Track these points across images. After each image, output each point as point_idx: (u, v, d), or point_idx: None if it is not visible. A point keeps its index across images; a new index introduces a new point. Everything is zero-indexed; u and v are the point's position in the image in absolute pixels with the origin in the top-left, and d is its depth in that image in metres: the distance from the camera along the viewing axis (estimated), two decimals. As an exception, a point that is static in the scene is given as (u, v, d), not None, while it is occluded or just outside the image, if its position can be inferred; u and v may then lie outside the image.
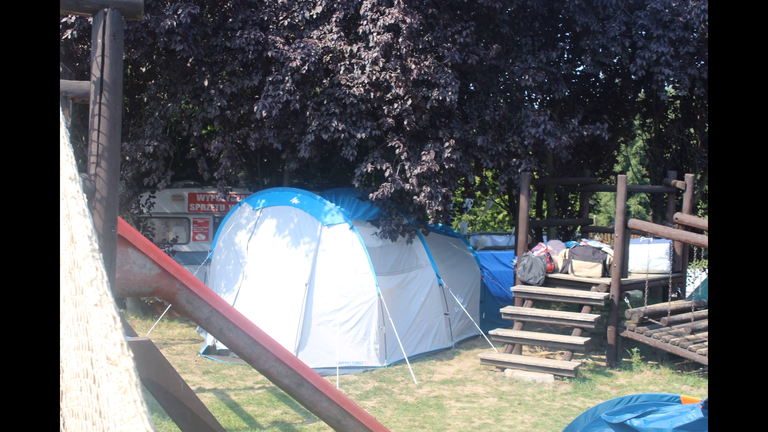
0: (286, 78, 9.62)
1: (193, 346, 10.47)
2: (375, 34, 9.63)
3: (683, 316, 9.98)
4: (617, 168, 19.87)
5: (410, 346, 9.93)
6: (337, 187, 12.19)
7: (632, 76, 12.52)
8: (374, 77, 9.63)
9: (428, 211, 9.86)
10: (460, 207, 19.23)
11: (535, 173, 12.44)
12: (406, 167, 9.75)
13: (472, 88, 11.05)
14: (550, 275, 10.42)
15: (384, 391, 8.62)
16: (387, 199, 9.96)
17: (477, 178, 14.05)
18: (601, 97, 14.54)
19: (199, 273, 10.47)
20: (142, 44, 10.00)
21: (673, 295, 10.90)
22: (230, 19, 10.34)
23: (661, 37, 10.50)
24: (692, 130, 14.33)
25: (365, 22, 9.78)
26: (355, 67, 9.81)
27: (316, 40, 9.95)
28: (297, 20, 10.25)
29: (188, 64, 10.44)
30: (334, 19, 9.99)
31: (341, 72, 9.81)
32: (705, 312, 9.94)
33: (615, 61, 11.63)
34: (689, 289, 12.53)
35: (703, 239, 9.48)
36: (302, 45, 9.73)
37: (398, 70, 9.54)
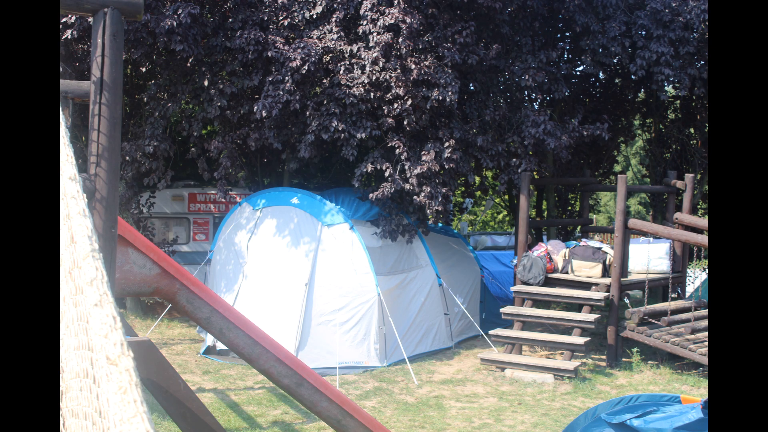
0: (286, 78, 9.62)
1: (193, 346, 10.47)
2: (375, 34, 9.63)
3: (683, 316, 9.98)
4: (617, 168, 19.87)
5: (410, 346, 9.93)
6: (337, 187, 12.19)
7: (632, 76, 12.52)
8: (374, 77, 9.63)
9: (428, 211, 9.86)
10: (460, 207, 19.23)
11: (535, 173, 12.44)
12: (406, 167, 9.76)
13: (472, 88, 11.06)
14: (550, 275, 10.42)
15: (384, 391, 8.62)
16: (387, 199, 9.96)
17: (477, 178, 14.05)
18: (601, 97, 14.54)
19: (199, 273, 10.47)
20: (142, 44, 10.00)
21: (673, 295, 10.90)
22: (230, 19, 10.34)
23: (661, 37, 10.50)
24: (692, 130, 14.33)
25: (365, 22, 9.78)
26: (355, 67, 9.81)
27: (316, 40, 9.95)
28: (297, 20, 10.25)
29: (188, 64, 10.44)
30: (334, 19, 9.99)
31: (341, 72, 9.81)
32: (705, 312, 9.94)
33: (615, 61, 11.63)
34: (689, 289, 12.53)
35: (703, 239, 9.48)
36: (302, 45, 9.74)
37: (398, 70, 9.54)
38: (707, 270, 11.69)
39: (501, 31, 10.78)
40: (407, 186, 9.78)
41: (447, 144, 9.90)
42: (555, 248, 10.78)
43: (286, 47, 9.78)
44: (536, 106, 12.53)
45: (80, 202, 2.16)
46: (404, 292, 10.19)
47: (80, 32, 9.81)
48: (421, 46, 9.91)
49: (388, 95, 9.73)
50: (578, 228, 14.47)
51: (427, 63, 9.74)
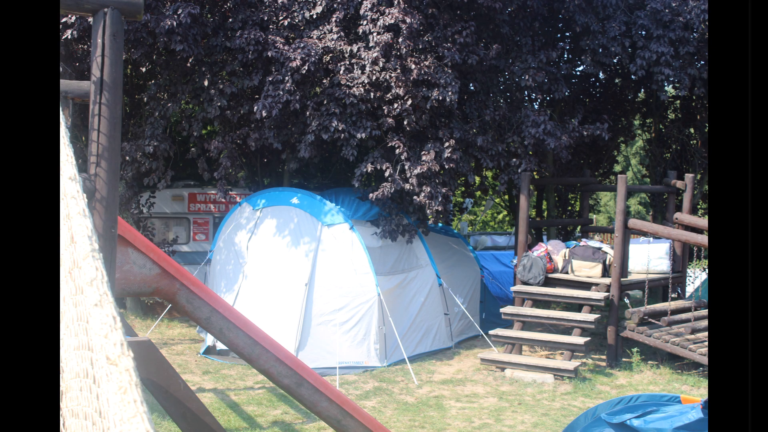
0: (286, 78, 9.62)
1: (193, 346, 10.47)
2: (375, 34, 9.63)
3: (683, 316, 9.98)
4: (617, 168, 19.87)
5: (410, 346, 9.93)
6: (337, 187, 12.19)
7: (632, 76, 12.52)
8: (374, 77, 9.63)
9: (428, 211, 9.86)
10: (460, 207, 19.23)
11: (535, 173, 12.44)
12: (406, 167, 9.76)
13: (472, 88, 11.06)
14: (550, 275, 10.42)
15: (384, 391, 8.62)
16: (387, 199, 9.96)
17: (477, 178, 14.05)
18: (601, 97, 14.54)
19: (199, 273, 10.47)
20: (142, 44, 10.00)
21: (673, 295, 10.90)
22: (230, 19, 10.34)
23: (661, 37, 10.50)
24: (692, 130, 14.33)
25: (365, 22, 9.78)
26: (355, 67, 9.81)
27: (316, 40, 9.95)
28: (297, 20, 10.25)
29: (188, 64, 10.44)
30: (334, 19, 9.99)
31: (341, 72, 9.81)
32: (705, 312, 9.94)
33: (615, 61, 11.63)
34: (689, 289, 12.53)
35: (703, 239, 9.48)
36: (302, 45, 9.74)
37: (398, 70, 9.54)
38: (707, 270, 11.69)
39: (501, 31, 10.78)
40: (407, 186, 9.78)
41: (447, 144, 9.90)
42: (555, 248, 10.78)
43: (286, 47, 9.78)
44: (536, 106, 12.53)
45: (80, 202, 2.16)
46: (404, 292, 10.19)
47: (80, 32, 9.81)
48: (421, 46, 9.91)
49: (388, 95, 9.73)
50: (578, 228, 14.47)
51: (427, 63, 9.74)
